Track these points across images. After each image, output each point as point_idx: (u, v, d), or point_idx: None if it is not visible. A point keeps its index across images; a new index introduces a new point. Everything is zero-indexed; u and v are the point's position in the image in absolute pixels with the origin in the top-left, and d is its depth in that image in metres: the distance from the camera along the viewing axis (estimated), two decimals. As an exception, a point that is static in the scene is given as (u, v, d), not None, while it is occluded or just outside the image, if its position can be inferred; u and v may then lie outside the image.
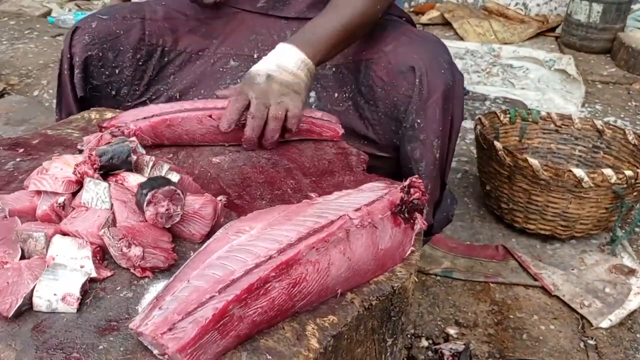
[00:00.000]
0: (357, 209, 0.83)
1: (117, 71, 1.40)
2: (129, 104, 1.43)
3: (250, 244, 0.79)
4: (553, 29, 4.13)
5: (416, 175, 0.91)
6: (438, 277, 1.68)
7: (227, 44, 1.47)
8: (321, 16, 1.26)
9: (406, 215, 0.88)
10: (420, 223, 0.90)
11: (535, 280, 1.67)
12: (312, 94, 1.42)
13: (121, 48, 1.39)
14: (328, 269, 0.78)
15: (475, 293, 1.63)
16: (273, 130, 1.13)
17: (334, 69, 1.40)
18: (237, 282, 0.72)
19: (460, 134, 2.64)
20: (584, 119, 2.13)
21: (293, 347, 0.73)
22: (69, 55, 1.37)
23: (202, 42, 1.47)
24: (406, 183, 0.89)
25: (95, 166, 0.88)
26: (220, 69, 1.45)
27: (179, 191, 0.83)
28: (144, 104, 1.44)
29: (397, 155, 1.33)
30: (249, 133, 1.12)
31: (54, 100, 2.73)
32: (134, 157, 0.93)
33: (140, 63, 1.42)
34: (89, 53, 1.36)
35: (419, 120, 1.24)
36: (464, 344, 1.43)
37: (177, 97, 1.45)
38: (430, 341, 1.45)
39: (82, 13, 3.98)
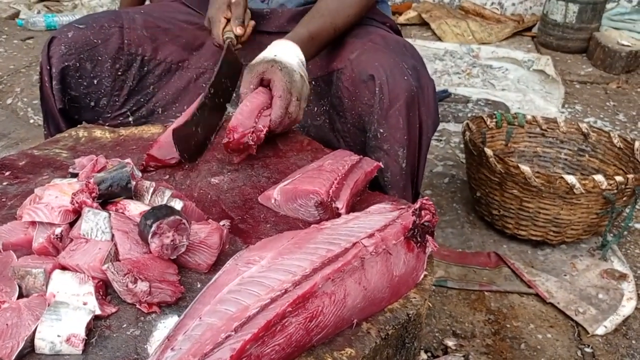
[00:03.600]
0: (371, 235, 0.81)
1: (95, 82, 1.35)
2: (109, 115, 1.39)
3: (262, 276, 0.76)
4: (529, 29, 4.16)
5: (426, 197, 0.89)
6: (433, 287, 1.67)
7: (208, 57, 1.43)
8: (316, 16, 1.27)
9: (418, 238, 0.86)
10: (431, 246, 0.88)
11: (529, 287, 1.67)
12: None
13: (99, 58, 1.34)
14: (344, 300, 0.76)
15: (471, 302, 1.62)
16: (284, 128, 1.17)
17: (313, 83, 1.36)
18: (253, 320, 0.69)
19: (444, 137, 2.65)
20: (569, 122, 2.14)
21: (312, 385, 0.71)
22: (48, 67, 1.32)
23: (182, 53, 1.42)
24: (417, 205, 0.87)
25: (93, 195, 0.84)
26: (204, 85, 1.41)
27: (184, 221, 0.80)
28: (124, 115, 1.40)
29: None
30: (278, 130, 1.14)
31: (29, 109, 2.67)
32: (134, 183, 0.89)
33: (120, 73, 1.37)
34: (66, 64, 1.31)
35: (381, 130, 1.20)
36: (463, 356, 1.42)
37: (160, 112, 1.42)
38: (430, 354, 1.44)
39: (52, 15, 3.87)
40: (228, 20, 1.31)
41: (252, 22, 1.37)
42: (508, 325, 1.55)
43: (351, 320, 0.78)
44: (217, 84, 1.22)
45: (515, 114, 2.17)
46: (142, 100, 1.40)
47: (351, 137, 1.30)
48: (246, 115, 1.09)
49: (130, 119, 1.40)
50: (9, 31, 3.73)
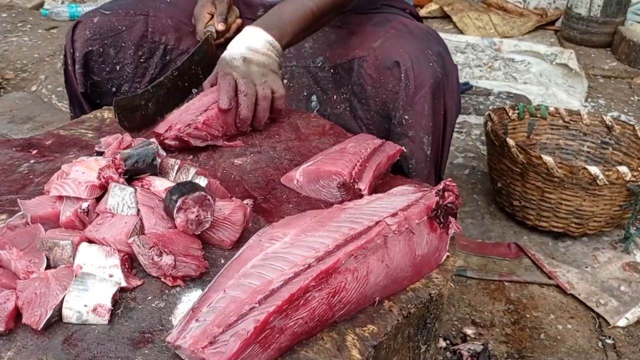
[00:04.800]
0: (394, 214, 0.81)
1: (118, 68, 1.37)
2: None
3: (285, 252, 0.76)
4: (552, 22, 4.11)
5: (450, 179, 0.89)
6: (452, 276, 1.66)
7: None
8: (291, 0, 1.24)
9: (442, 219, 0.86)
10: (454, 227, 0.88)
11: (550, 278, 1.66)
12: (314, 97, 1.39)
13: (123, 44, 1.36)
14: (367, 277, 0.76)
15: (490, 292, 1.61)
16: (264, 110, 1.15)
17: (332, 71, 1.36)
18: (277, 293, 0.69)
19: (465, 129, 2.64)
20: (593, 115, 2.11)
21: (334, 359, 0.71)
22: (71, 50, 1.34)
23: None
24: (440, 186, 0.87)
25: (120, 170, 0.85)
26: None
27: (209, 197, 0.80)
28: None
29: None
30: (245, 112, 1.12)
31: (54, 96, 2.71)
32: (159, 160, 0.90)
33: (142, 60, 1.38)
34: (90, 48, 1.33)
35: (406, 117, 1.20)
36: (482, 344, 1.42)
37: None
38: (448, 341, 1.43)
39: (76, 5, 3.91)
40: (212, 17, 1.36)
41: (239, 21, 1.42)
42: (528, 315, 1.54)
43: (373, 297, 0.78)
44: (184, 68, 1.27)
45: (538, 105, 2.15)
46: None
47: (374, 124, 1.29)
48: (190, 111, 1.11)
49: None
50: (33, 21, 3.78)
